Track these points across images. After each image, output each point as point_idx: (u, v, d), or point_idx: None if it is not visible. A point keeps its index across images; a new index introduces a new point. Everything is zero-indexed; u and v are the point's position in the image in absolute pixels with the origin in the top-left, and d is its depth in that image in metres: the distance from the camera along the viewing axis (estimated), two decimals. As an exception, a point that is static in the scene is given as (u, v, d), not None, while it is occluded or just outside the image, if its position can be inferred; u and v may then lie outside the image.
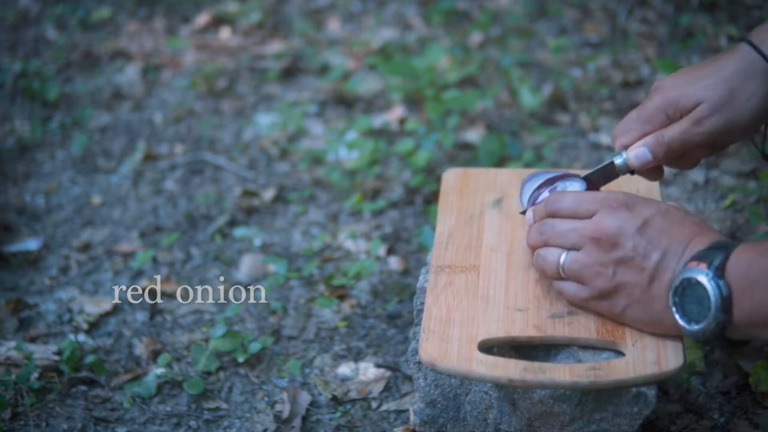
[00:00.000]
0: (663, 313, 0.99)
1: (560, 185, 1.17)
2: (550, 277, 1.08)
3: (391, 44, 2.32)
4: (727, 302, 0.92)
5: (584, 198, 1.05)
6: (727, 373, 1.29)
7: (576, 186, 1.16)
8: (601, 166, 1.16)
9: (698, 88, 1.08)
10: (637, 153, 1.12)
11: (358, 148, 1.87)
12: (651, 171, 1.15)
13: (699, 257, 0.95)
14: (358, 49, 2.33)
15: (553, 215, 1.08)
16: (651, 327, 1.02)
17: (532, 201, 1.19)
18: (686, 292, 0.95)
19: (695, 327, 0.95)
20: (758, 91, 1.07)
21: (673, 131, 1.10)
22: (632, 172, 1.15)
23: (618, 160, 1.14)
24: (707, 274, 0.93)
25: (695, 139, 1.09)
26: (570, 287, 1.06)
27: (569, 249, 1.05)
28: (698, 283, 0.93)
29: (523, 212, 1.20)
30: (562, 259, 1.05)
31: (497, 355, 1.06)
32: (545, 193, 1.17)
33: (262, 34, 2.46)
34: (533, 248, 1.11)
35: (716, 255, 0.93)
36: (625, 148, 1.13)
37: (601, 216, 1.02)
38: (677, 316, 0.97)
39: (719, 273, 0.92)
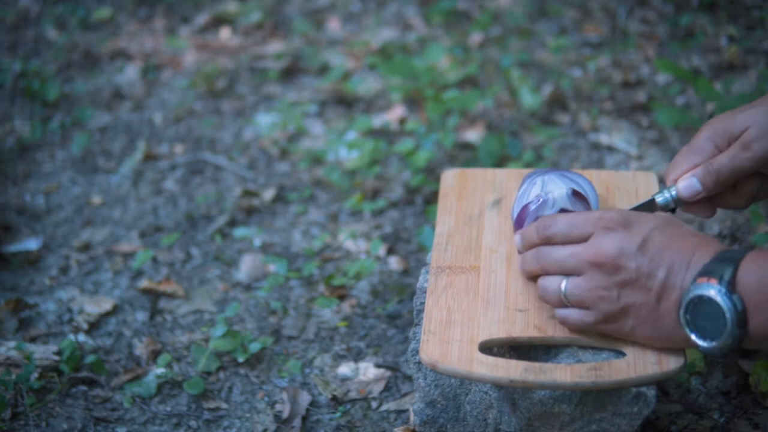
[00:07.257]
0: (673, 329, 0.98)
1: (545, 198, 1.13)
2: (552, 305, 1.06)
3: (391, 44, 2.32)
4: (742, 317, 0.92)
5: (577, 220, 1.04)
6: (727, 373, 1.29)
7: (562, 191, 1.13)
8: (642, 202, 1.13)
9: (746, 115, 1.07)
10: (687, 184, 1.09)
11: (358, 148, 1.87)
12: (702, 206, 1.12)
13: (707, 272, 0.94)
14: (358, 49, 2.33)
15: (547, 241, 1.06)
16: (661, 343, 1.01)
17: (521, 211, 1.17)
18: (698, 308, 0.94)
19: (711, 343, 0.95)
20: None
21: (722, 159, 1.08)
22: (673, 210, 1.13)
23: (659, 198, 1.12)
24: (719, 291, 0.92)
25: (743, 165, 1.07)
26: (574, 314, 1.03)
27: (569, 275, 1.03)
28: (711, 300, 0.93)
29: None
30: (563, 287, 1.03)
31: (496, 355, 1.06)
32: (532, 207, 1.14)
33: (262, 34, 2.46)
34: (528, 276, 1.10)
35: (725, 269, 0.93)
36: (675, 182, 1.11)
37: (598, 239, 1.01)
38: (692, 335, 0.96)
39: (731, 288, 0.92)
